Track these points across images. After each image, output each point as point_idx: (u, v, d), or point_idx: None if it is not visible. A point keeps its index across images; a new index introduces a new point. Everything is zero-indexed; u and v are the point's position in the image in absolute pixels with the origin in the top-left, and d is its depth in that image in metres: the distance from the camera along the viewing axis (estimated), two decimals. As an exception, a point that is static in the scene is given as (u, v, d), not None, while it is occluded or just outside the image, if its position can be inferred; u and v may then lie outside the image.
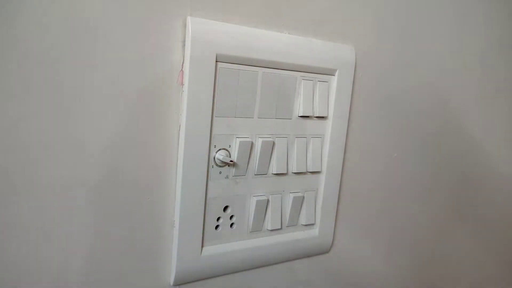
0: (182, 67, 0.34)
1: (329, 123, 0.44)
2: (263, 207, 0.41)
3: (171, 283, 0.37)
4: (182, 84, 0.34)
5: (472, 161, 0.63)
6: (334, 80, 0.43)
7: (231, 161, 0.37)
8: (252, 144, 0.39)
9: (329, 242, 0.48)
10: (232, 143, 0.37)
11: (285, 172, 0.41)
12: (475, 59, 0.59)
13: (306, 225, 0.45)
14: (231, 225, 0.40)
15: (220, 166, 0.37)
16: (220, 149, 0.37)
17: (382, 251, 0.56)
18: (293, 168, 0.42)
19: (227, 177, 0.38)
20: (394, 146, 0.52)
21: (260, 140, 0.39)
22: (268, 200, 0.41)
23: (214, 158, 0.37)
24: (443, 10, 0.53)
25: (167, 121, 0.34)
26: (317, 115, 0.42)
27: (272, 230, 0.42)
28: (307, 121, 0.42)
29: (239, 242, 0.40)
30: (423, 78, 0.53)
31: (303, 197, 0.43)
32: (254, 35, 0.37)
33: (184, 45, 0.34)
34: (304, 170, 0.43)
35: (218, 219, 0.38)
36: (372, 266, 0.55)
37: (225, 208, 0.39)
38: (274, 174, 0.41)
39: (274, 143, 0.40)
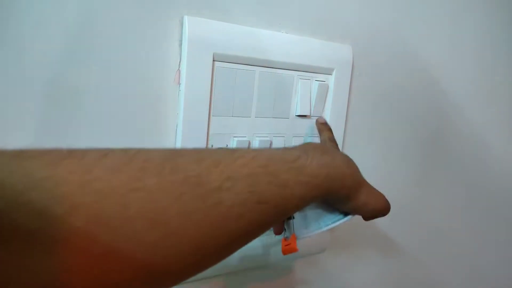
0: (179, 67, 0.34)
1: (326, 122, 0.44)
2: (260, 206, 0.41)
3: (169, 283, 0.37)
4: (179, 83, 0.34)
5: (473, 159, 0.63)
6: (331, 79, 0.43)
7: (228, 160, 0.36)
8: (249, 144, 0.38)
9: (326, 242, 0.48)
10: (230, 142, 0.37)
11: (282, 171, 0.41)
12: (472, 57, 0.59)
13: (304, 224, 0.45)
14: (229, 224, 0.39)
15: (217, 166, 0.37)
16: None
17: (380, 251, 0.56)
18: (291, 167, 0.42)
19: (224, 176, 0.38)
20: (392, 145, 0.52)
21: (258, 139, 0.39)
22: (265, 200, 0.41)
23: (211, 157, 0.37)
24: (439, 8, 0.53)
25: (164, 120, 0.34)
26: (315, 114, 0.42)
27: (271, 230, 0.42)
28: (305, 120, 0.42)
29: (236, 242, 0.40)
30: (420, 77, 0.53)
31: (301, 196, 0.43)
32: (251, 34, 0.37)
33: (181, 44, 0.34)
34: (301, 170, 0.42)
35: (215, 218, 0.38)
36: (369, 266, 0.55)
37: (223, 207, 0.39)
38: (272, 173, 0.41)
39: (271, 143, 0.40)
